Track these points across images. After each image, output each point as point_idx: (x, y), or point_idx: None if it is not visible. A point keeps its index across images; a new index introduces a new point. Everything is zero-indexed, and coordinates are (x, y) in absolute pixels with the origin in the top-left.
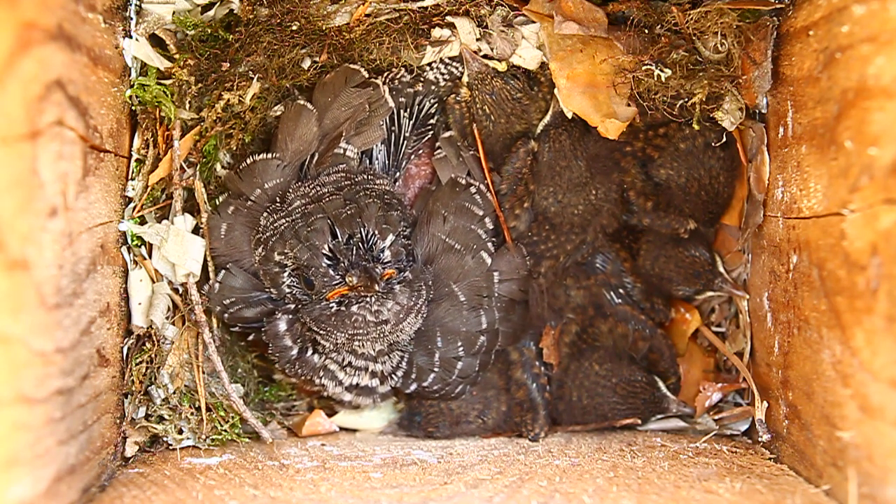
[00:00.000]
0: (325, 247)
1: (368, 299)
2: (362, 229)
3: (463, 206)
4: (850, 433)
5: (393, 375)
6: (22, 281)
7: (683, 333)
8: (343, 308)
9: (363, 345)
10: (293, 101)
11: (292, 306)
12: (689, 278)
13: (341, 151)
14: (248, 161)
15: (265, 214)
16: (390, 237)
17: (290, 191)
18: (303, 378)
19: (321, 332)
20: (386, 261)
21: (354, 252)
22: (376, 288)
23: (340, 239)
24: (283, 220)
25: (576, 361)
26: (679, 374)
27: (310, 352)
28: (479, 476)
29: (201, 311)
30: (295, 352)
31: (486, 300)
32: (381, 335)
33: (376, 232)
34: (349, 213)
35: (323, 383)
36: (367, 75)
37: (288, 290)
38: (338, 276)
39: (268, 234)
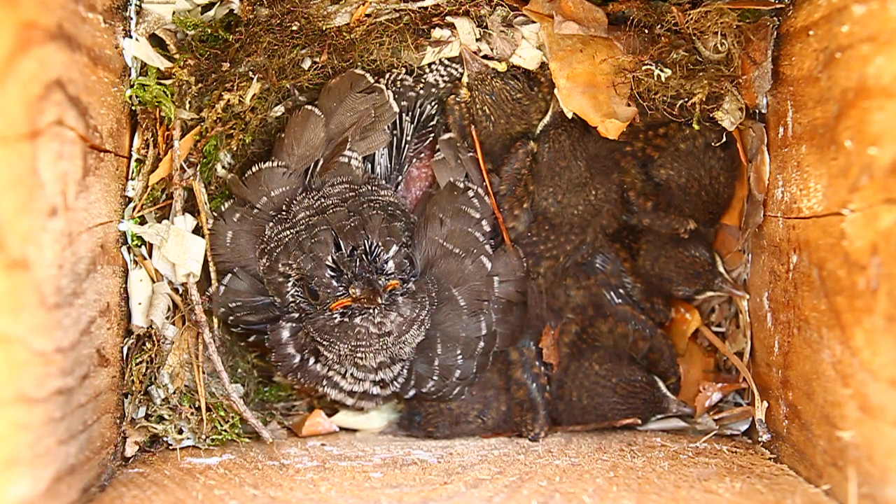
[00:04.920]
0: (329, 258)
1: (372, 311)
2: (366, 241)
3: (460, 210)
4: (850, 433)
5: (394, 382)
6: (22, 281)
7: (683, 333)
8: (346, 319)
9: (365, 356)
10: (298, 106)
11: (296, 315)
12: (689, 278)
13: (346, 160)
14: (254, 169)
15: (270, 224)
16: (394, 248)
17: (295, 202)
18: (306, 386)
19: (324, 342)
20: (389, 272)
21: (358, 264)
22: (379, 301)
23: (344, 251)
24: (288, 232)
25: (576, 361)
26: (679, 374)
27: (312, 361)
28: (479, 476)
29: (201, 311)
30: (297, 360)
31: (486, 304)
32: (384, 347)
33: (380, 243)
34: (353, 224)
35: (326, 391)
36: (371, 80)
37: (292, 300)
38: (341, 288)
39: (272, 245)
